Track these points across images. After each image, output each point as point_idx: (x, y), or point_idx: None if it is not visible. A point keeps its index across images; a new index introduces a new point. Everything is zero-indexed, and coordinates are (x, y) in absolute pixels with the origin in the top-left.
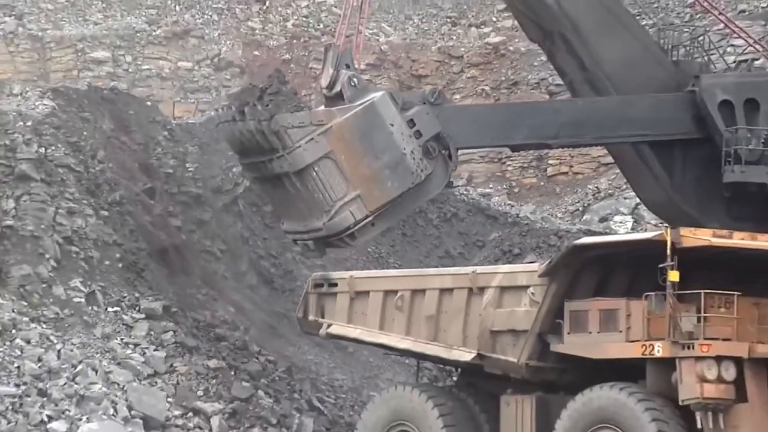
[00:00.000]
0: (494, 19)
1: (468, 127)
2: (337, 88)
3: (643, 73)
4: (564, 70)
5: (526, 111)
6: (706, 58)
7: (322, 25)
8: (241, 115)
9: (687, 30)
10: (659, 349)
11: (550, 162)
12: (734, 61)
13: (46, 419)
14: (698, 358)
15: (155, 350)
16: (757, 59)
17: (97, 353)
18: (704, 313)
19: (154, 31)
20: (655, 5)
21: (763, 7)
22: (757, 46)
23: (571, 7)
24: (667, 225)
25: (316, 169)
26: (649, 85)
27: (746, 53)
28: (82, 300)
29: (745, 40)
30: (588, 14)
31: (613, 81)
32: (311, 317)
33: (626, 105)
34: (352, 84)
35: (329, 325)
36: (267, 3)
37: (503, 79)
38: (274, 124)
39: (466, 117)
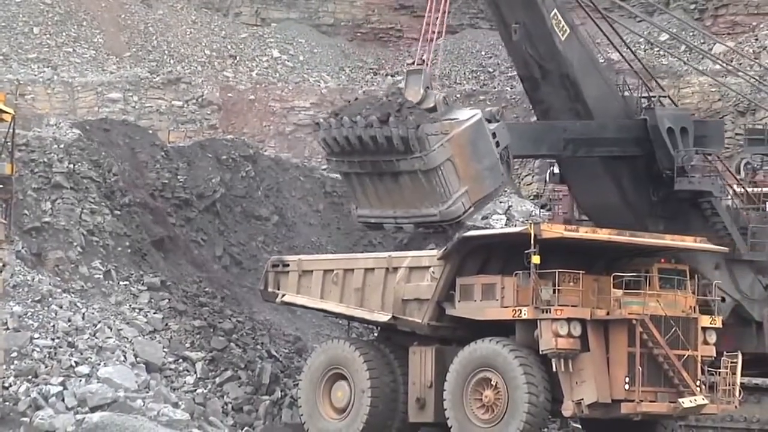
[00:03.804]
0: (404, 69)
1: (516, 141)
2: (430, 104)
3: (609, 104)
4: (543, 99)
5: (546, 128)
6: (638, 94)
7: (278, 75)
8: (382, 123)
9: (620, 72)
10: (525, 313)
11: None
12: (644, 97)
13: (74, 364)
14: (554, 320)
15: (155, 313)
16: (663, 96)
17: (111, 315)
18: (558, 286)
19: (155, 78)
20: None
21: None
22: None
23: (570, 54)
24: (533, 222)
25: (442, 168)
26: (611, 113)
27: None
28: (101, 276)
29: (650, 88)
30: (580, 59)
31: (591, 110)
32: (270, 289)
33: (602, 127)
34: (446, 102)
35: (283, 295)
36: (237, 58)
37: None
38: (420, 132)
39: (514, 132)
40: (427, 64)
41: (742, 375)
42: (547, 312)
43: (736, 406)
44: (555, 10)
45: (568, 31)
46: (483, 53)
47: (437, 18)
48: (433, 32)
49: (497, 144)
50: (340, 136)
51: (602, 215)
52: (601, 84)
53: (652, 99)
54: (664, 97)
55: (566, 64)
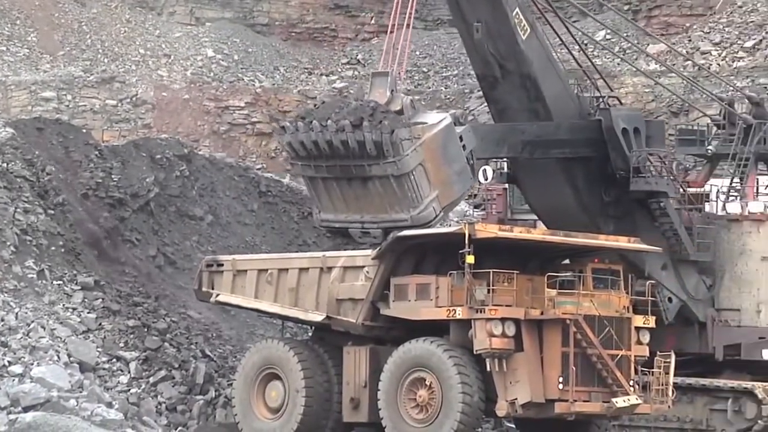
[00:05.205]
0: (339, 69)
1: (479, 143)
2: (396, 107)
3: (565, 105)
4: (500, 99)
5: (507, 130)
6: (590, 95)
7: (212, 74)
8: (354, 128)
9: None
10: (459, 313)
11: None
12: (596, 97)
13: (7, 364)
14: (488, 319)
15: (88, 313)
16: (612, 96)
17: (45, 315)
18: (492, 286)
19: (89, 77)
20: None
21: None
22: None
23: (530, 53)
24: (467, 222)
25: (414, 173)
26: (567, 114)
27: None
28: (34, 276)
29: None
30: (539, 59)
31: (549, 110)
32: (204, 289)
33: (557, 128)
34: (413, 106)
35: (217, 295)
36: (171, 57)
37: None
38: (395, 137)
39: (477, 135)
40: (392, 67)
41: (681, 375)
42: (481, 312)
43: (669, 406)
44: (517, 9)
45: (529, 30)
46: (417, 53)
47: (404, 17)
48: (400, 30)
49: (464, 147)
50: (308, 140)
51: (556, 217)
52: (558, 84)
53: (603, 99)
54: (613, 97)
55: (527, 63)
